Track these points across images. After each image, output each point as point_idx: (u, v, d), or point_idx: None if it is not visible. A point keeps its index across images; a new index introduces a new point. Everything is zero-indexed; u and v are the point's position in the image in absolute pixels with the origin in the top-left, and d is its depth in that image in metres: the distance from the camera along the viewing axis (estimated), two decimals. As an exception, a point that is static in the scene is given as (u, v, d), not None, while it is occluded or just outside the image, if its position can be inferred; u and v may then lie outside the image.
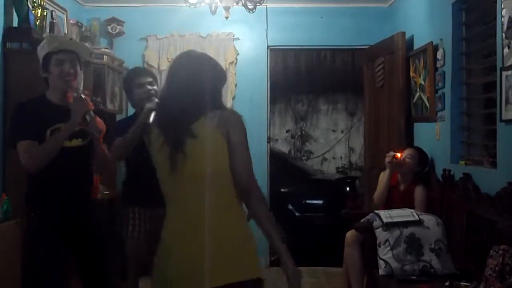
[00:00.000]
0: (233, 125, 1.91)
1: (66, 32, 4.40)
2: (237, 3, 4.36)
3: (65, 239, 2.73)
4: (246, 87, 5.30)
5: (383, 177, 3.93)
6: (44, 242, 2.69)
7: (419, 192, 3.74)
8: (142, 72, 3.30)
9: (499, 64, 2.95)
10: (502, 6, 2.89)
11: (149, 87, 3.18)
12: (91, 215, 2.91)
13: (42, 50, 2.78)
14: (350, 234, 3.79)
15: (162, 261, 1.97)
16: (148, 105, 2.98)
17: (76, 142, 2.77)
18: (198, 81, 1.98)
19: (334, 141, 9.25)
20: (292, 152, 9.13)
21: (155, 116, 2.19)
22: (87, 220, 2.85)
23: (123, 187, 3.32)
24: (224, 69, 5.13)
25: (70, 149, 2.73)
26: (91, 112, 2.72)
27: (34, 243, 2.74)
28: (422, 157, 3.91)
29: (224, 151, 1.89)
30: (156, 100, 2.98)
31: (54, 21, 4.08)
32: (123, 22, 5.27)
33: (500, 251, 2.49)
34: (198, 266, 1.86)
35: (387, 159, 3.87)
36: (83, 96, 2.73)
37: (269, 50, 5.46)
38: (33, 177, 2.74)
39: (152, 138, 1.99)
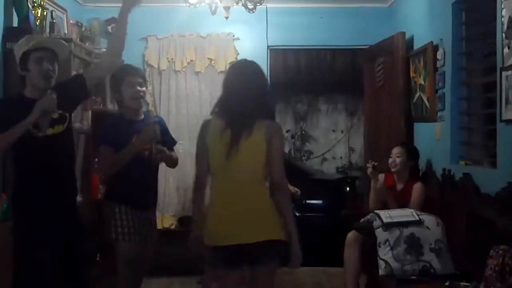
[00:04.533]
0: (277, 136, 2.55)
1: (66, 32, 4.40)
2: (237, 3, 4.36)
3: (52, 233, 2.77)
4: (246, 87, 5.30)
5: (373, 186, 3.97)
6: (33, 239, 2.72)
7: (416, 188, 3.78)
8: (133, 71, 3.25)
9: (499, 64, 2.95)
10: (502, 6, 2.89)
11: (139, 88, 3.17)
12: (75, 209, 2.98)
13: (19, 49, 2.77)
14: (352, 235, 3.79)
15: (211, 222, 2.52)
16: (147, 136, 3.06)
17: (58, 129, 2.81)
18: (260, 90, 2.57)
19: (334, 141, 9.23)
20: (292, 152, 9.11)
21: (222, 109, 2.60)
22: (75, 210, 2.96)
23: (109, 185, 3.29)
24: (224, 69, 5.24)
25: (52, 136, 2.77)
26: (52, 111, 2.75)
27: (23, 239, 2.76)
28: (410, 151, 3.97)
29: (262, 152, 2.50)
30: (157, 121, 3.14)
31: (54, 21, 4.08)
32: (123, 22, 5.26)
33: (500, 251, 2.48)
34: (239, 224, 2.47)
35: (368, 170, 3.93)
36: (54, 96, 2.75)
37: (269, 50, 5.46)
38: (20, 167, 2.79)
39: (216, 129, 2.53)
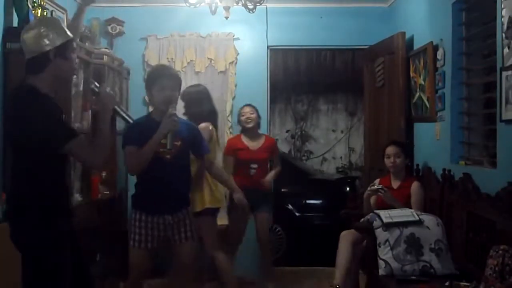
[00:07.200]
0: None
1: (66, 32, 4.39)
2: (237, 3, 4.36)
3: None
4: (246, 87, 5.30)
5: (367, 197, 3.94)
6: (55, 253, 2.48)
7: (415, 189, 3.78)
8: (165, 73, 3.19)
9: (499, 64, 2.96)
10: (502, 6, 2.89)
11: (169, 92, 3.12)
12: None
13: (48, 38, 2.38)
14: (343, 234, 3.80)
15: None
16: (166, 126, 3.01)
17: None
18: None
19: (334, 141, 9.24)
20: (292, 152, 9.12)
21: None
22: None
23: (135, 192, 3.29)
24: (224, 69, 5.25)
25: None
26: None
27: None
28: (405, 149, 4.03)
29: None
30: (174, 112, 3.05)
31: (54, 21, 4.07)
32: (123, 22, 5.27)
33: (500, 251, 2.49)
34: None
35: (368, 192, 3.88)
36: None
37: (269, 50, 5.46)
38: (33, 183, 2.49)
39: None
